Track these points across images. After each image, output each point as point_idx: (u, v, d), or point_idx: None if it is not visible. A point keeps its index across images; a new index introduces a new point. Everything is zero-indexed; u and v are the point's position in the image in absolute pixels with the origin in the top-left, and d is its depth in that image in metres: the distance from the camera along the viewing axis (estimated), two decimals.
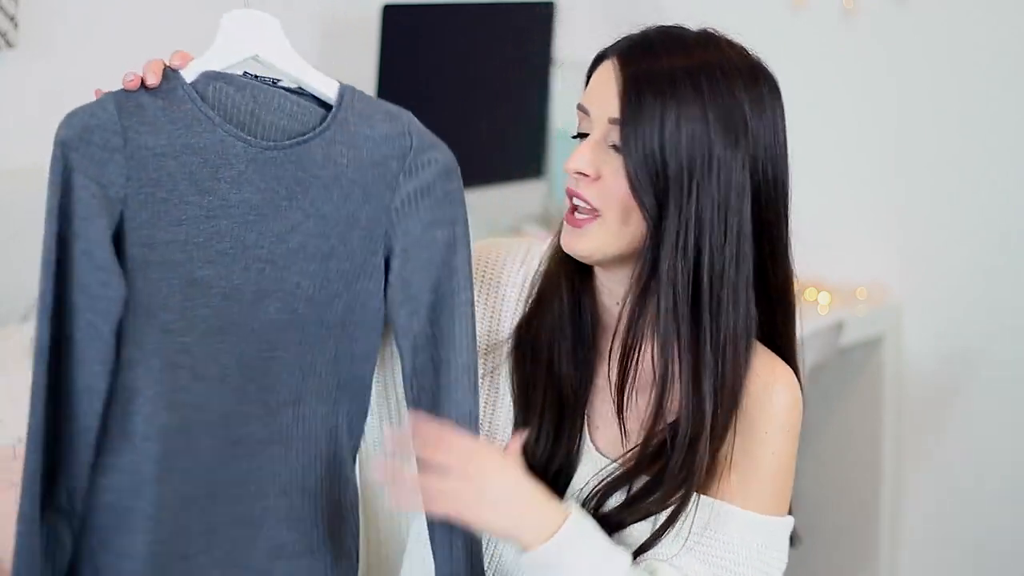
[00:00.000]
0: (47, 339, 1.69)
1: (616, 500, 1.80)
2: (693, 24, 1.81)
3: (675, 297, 1.75)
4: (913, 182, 3.76)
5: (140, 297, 1.72)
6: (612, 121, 1.76)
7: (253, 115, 1.77)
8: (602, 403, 1.85)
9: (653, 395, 1.78)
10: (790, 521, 1.83)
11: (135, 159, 1.72)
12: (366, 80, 3.46)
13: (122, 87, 1.74)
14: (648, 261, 1.76)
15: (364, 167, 1.81)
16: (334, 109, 1.80)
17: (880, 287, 3.79)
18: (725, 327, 1.76)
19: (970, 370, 3.73)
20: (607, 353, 1.83)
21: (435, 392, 1.81)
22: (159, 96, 1.74)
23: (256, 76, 1.81)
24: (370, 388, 1.86)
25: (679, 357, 1.77)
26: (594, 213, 1.77)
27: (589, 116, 1.79)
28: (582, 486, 1.82)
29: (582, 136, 1.80)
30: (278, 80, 1.82)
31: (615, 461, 1.81)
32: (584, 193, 1.77)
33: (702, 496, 1.78)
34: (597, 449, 1.84)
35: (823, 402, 3.78)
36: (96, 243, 1.69)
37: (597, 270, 1.84)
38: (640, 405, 1.81)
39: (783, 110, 1.80)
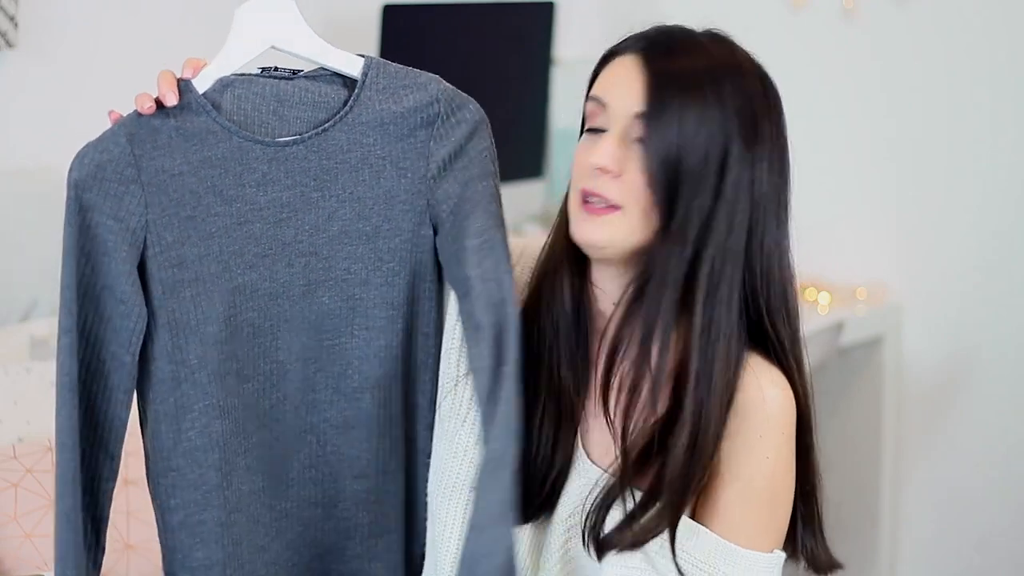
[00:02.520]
0: (75, 372, 1.70)
1: (615, 518, 1.76)
2: (696, 24, 1.80)
3: (671, 289, 1.73)
4: (913, 182, 3.76)
5: (177, 316, 1.73)
6: (638, 116, 1.73)
7: (276, 113, 1.77)
8: (595, 411, 1.83)
9: (638, 391, 1.76)
10: (779, 558, 1.79)
11: (153, 185, 1.72)
12: None
13: (135, 110, 1.73)
14: (652, 255, 1.74)
15: (392, 142, 1.79)
16: (356, 90, 1.79)
17: (880, 287, 3.79)
18: (718, 323, 1.74)
19: (970, 370, 3.73)
20: (598, 358, 1.81)
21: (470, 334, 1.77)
22: (171, 115, 1.74)
23: (276, 69, 1.80)
24: (438, 362, 1.85)
25: (670, 353, 1.74)
26: (614, 208, 1.74)
27: (607, 111, 1.76)
28: (578, 500, 1.79)
29: (594, 131, 1.77)
30: (298, 71, 1.81)
31: (606, 470, 1.79)
32: (605, 191, 1.74)
33: (687, 519, 1.75)
34: (589, 458, 1.82)
35: (823, 402, 3.76)
36: (116, 277, 1.70)
37: (595, 269, 1.82)
38: (628, 410, 1.78)
39: (784, 119, 1.80)
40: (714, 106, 1.72)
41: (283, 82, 1.79)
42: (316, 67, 1.82)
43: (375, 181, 1.79)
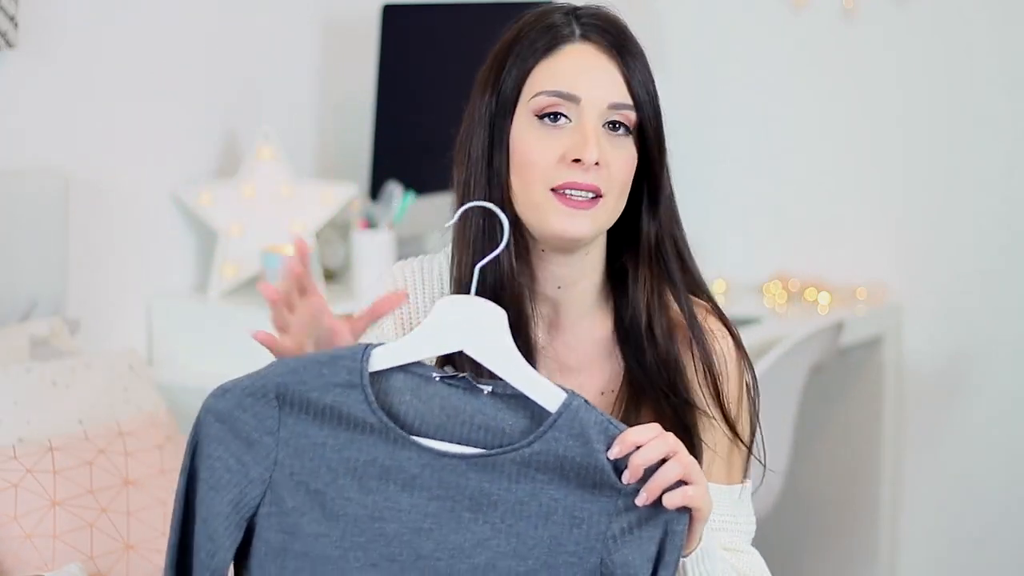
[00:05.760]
0: None
1: None
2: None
3: (654, 257, 1.80)
4: (913, 182, 3.76)
5: None
6: (613, 106, 1.75)
7: (441, 427, 1.63)
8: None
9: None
10: (750, 486, 1.83)
11: (289, 445, 1.63)
12: (366, 80, 3.46)
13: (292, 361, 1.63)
14: (651, 224, 1.79)
15: (570, 489, 1.61)
16: (543, 427, 1.61)
17: (880, 287, 3.79)
18: (682, 276, 1.80)
19: (970, 370, 3.73)
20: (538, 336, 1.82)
21: None
22: (330, 388, 1.62)
23: (457, 376, 1.65)
24: None
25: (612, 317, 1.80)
26: (598, 196, 1.75)
27: (578, 104, 1.75)
28: None
29: (555, 117, 1.75)
30: (482, 388, 1.64)
31: None
32: (598, 182, 1.74)
33: None
34: None
35: (823, 402, 3.78)
36: (215, 515, 1.62)
37: (543, 258, 1.79)
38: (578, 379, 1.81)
39: None
40: (645, 60, 1.78)
41: (463, 394, 1.63)
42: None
43: (541, 522, 1.61)
